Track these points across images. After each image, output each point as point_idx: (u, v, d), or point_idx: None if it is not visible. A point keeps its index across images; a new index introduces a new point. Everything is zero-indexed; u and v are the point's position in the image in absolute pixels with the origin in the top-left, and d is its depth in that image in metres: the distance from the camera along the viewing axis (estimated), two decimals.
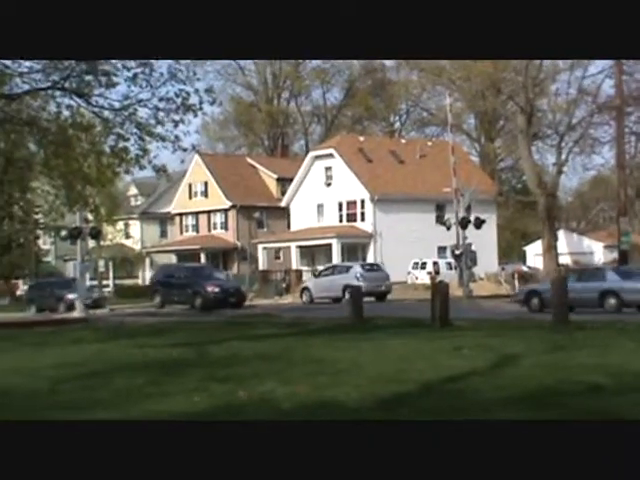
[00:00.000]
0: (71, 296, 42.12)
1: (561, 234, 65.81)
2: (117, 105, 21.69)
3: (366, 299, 30.98)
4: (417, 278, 52.66)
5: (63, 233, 39.51)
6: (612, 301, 28.11)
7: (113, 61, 20.36)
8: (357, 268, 42.46)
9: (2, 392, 11.04)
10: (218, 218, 67.89)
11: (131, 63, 20.50)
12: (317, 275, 45.93)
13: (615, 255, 62.69)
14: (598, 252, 68.62)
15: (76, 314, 35.66)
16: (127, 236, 72.73)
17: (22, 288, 67.02)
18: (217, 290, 38.61)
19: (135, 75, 20.77)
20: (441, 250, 56.34)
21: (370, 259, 57.82)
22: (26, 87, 21.63)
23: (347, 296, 36.10)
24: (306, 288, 44.23)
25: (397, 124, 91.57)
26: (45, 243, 71.65)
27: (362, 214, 59.35)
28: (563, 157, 57.56)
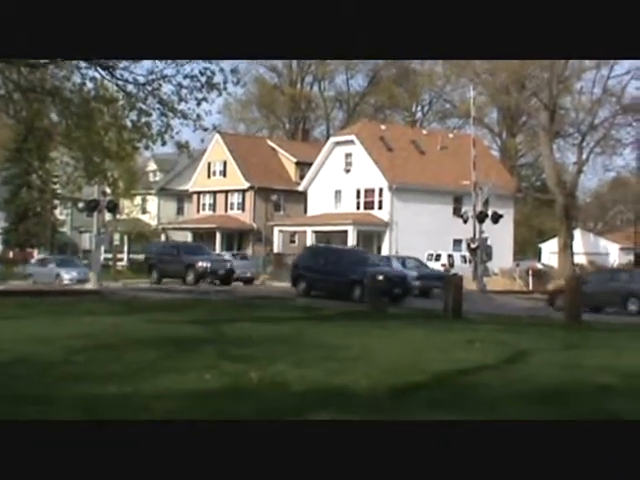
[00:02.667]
0: (203, 264, 40.08)
1: (577, 234, 65.54)
2: (141, 80, 21.68)
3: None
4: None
5: (80, 205, 39.61)
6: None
7: None
8: (228, 256, 47.41)
9: (18, 360, 11.12)
10: (235, 198, 67.96)
11: None
12: None
13: (631, 257, 62.50)
14: (614, 253, 68.33)
15: (90, 285, 35.82)
16: (144, 211, 72.90)
17: (37, 257, 67.45)
18: (381, 278, 30.29)
19: None
20: (456, 243, 56.22)
21: (385, 248, 57.79)
22: None
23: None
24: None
25: (419, 114, 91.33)
26: (62, 214, 71.92)
27: (379, 202, 59.27)
28: (584, 157, 57.28)
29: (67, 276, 43.45)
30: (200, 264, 39.94)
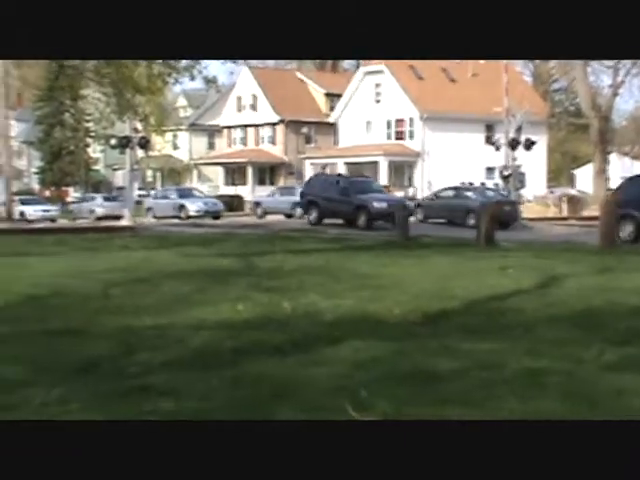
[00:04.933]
0: (379, 204, 33.10)
1: (613, 158, 64.69)
2: None
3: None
4: None
5: (113, 141, 39.64)
6: (299, 211, 39.13)
7: None
8: (99, 200, 49.01)
9: (58, 293, 11.32)
10: (266, 132, 67.74)
11: None
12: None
13: None
14: None
15: (124, 222, 36.14)
16: (175, 147, 73.01)
17: (72, 195, 67.95)
18: None
19: None
20: (489, 171, 55.76)
21: (417, 178, 57.52)
22: None
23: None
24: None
25: None
26: (95, 151, 72.29)
27: (410, 132, 58.80)
28: (619, 79, 56.22)
29: (193, 207, 41.21)
30: (375, 205, 33.18)
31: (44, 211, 46.06)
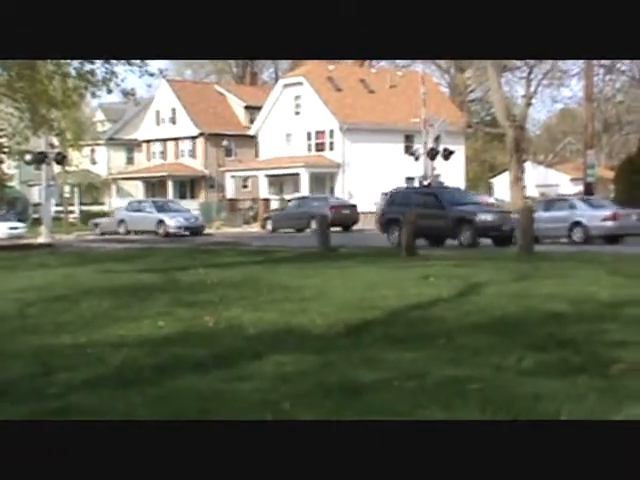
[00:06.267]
0: (485, 217, 27.99)
1: (528, 166, 66.12)
2: None
3: None
4: None
5: (28, 157, 38.78)
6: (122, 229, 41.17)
7: None
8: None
9: None
10: (186, 145, 67.29)
11: None
12: None
13: (580, 187, 63.27)
14: (564, 184, 69.12)
15: (42, 239, 35.43)
16: (93, 162, 71.92)
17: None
18: None
19: None
20: (409, 181, 56.39)
21: (338, 189, 57.80)
22: None
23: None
24: None
25: None
26: (9, 167, 70.58)
27: (331, 144, 59.09)
28: (532, 89, 57.55)
29: (172, 222, 37.81)
30: (482, 218, 27.78)
31: (11, 228, 41.69)
